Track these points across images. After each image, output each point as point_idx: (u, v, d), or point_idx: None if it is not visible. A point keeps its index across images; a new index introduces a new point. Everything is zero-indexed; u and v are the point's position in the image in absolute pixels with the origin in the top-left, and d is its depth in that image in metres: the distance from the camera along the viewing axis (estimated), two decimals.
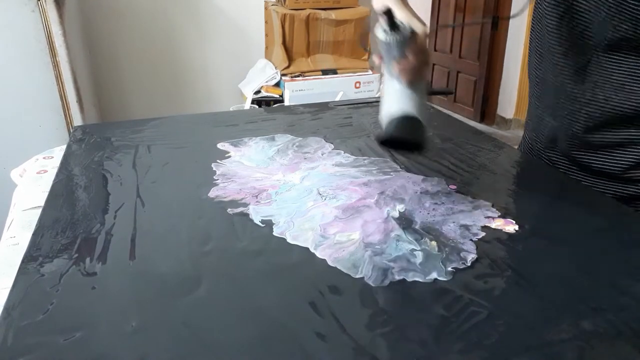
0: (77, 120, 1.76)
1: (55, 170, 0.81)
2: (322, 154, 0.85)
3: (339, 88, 2.50)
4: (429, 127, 0.68)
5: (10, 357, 0.42)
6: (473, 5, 3.63)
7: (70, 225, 0.63)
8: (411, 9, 0.64)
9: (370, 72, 2.59)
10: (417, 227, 0.62)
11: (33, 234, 0.61)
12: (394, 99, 0.65)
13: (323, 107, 1.11)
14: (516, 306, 0.48)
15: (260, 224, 0.63)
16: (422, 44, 0.61)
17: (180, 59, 2.59)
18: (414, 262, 0.55)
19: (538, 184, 0.76)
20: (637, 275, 0.53)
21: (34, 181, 0.91)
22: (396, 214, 0.65)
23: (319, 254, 0.57)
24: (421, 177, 0.76)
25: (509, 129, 3.55)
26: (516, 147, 0.94)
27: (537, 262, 0.56)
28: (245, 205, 0.68)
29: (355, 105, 1.13)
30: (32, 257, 0.56)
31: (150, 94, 2.59)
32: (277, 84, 2.50)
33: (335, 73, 2.53)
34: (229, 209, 0.67)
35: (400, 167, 0.79)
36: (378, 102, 1.14)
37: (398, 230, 0.61)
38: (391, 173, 0.77)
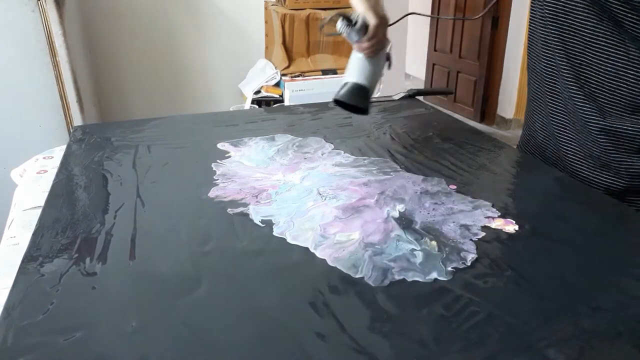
0: (77, 120, 1.75)
1: (55, 170, 0.81)
2: (322, 154, 0.85)
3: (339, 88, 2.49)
4: (375, 93, 0.84)
5: (10, 357, 0.42)
6: (473, 5, 3.63)
7: (70, 225, 0.63)
8: (373, 2, 0.77)
9: None
10: (417, 227, 0.62)
11: (33, 234, 0.61)
12: (352, 68, 0.82)
13: (323, 107, 1.11)
14: (516, 306, 0.48)
15: (260, 224, 0.63)
16: (373, 32, 0.77)
17: (180, 59, 2.59)
18: (414, 262, 0.55)
19: (538, 184, 0.76)
20: (637, 275, 0.53)
21: (34, 181, 0.91)
22: (396, 214, 0.65)
23: (319, 254, 0.57)
24: (421, 177, 0.76)
25: (509, 129, 3.55)
26: (515, 147, 0.94)
27: (537, 262, 0.55)
28: (245, 205, 0.68)
29: None
30: (32, 257, 0.56)
31: (150, 94, 2.59)
32: (277, 84, 2.50)
33: (336, 73, 2.52)
34: (229, 209, 0.67)
35: (400, 167, 0.79)
36: (378, 102, 1.14)
37: (398, 230, 0.61)
38: (391, 173, 0.77)
